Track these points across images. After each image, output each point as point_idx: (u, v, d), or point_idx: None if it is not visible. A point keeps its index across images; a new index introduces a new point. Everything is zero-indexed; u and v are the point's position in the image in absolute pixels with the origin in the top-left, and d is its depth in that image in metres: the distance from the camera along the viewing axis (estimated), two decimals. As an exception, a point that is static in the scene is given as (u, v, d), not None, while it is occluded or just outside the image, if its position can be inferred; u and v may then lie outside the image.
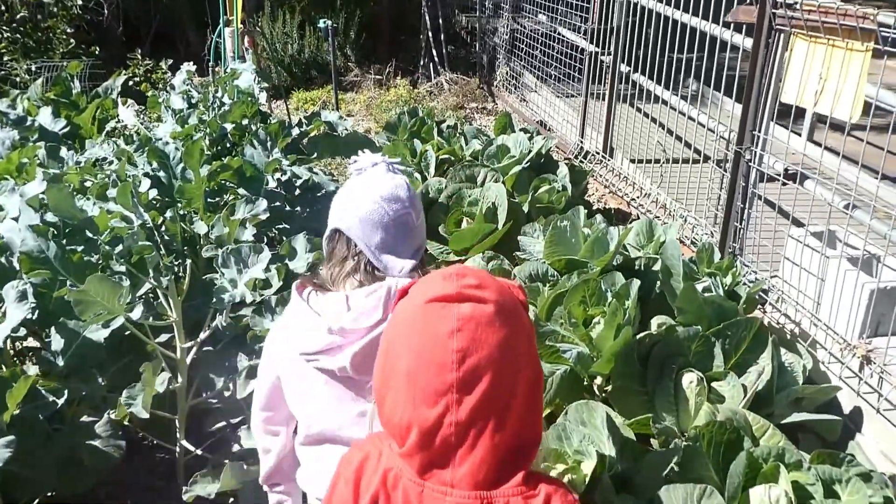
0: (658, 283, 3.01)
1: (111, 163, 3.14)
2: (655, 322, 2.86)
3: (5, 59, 7.14)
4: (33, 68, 7.02)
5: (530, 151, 4.64)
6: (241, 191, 2.90)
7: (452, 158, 5.09)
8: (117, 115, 4.52)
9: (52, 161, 3.49)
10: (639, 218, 4.79)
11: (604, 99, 5.52)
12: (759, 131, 3.30)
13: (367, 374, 1.31)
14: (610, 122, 5.41)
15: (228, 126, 3.28)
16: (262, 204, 2.49)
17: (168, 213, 2.74)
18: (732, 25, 3.76)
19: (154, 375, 1.96)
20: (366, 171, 1.53)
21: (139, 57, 8.31)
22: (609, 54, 5.27)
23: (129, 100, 5.56)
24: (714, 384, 2.46)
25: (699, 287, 2.80)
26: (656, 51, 4.71)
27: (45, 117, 4.47)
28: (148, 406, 1.95)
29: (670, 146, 4.73)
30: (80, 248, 2.10)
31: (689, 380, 2.43)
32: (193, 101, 3.71)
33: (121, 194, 2.22)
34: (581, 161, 5.60)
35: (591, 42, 5.50)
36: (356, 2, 9.10)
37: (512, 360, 0.99)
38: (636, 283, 2.69)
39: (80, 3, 7.93)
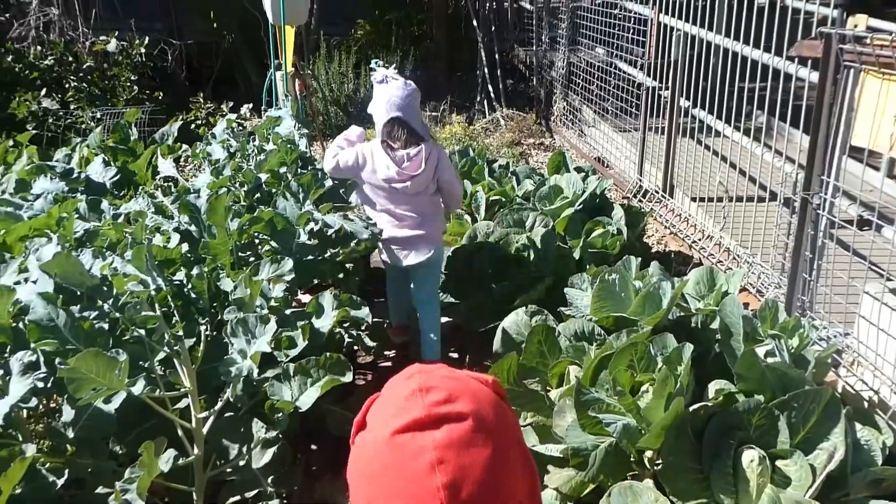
0: (716, 341, 2.76)
1: (145, 216, 3.09)
2: (713, 388, 2.60)
3: (72, 107, 7.37)
4: (98, 115, 7.23)
5: (584, 192, 4.43)
6: (273, 244, 2.80)
7: (503, 199, 4.93)
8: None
9: (93, 214, 3.48)
10: (701, 262, 4.51)
11: (663, 133, 5.28)
12: (829, 176, 3.01)
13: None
14: (670, 159, 5.15)
15: (263, 176, 3.20)
16: (288, 264, 2.37)
17: (195, 270, 2.65)
18: (797, 59, 3.50)
19: (158, 454, 1.85)
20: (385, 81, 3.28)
21: (201, 100, 8.48)
22: (668, 88, 5.04)
23: (171, 152, 5.62)
24: (778, 463, 2.19)
25: (761, 351, 2.53)
26: (716, 84, 4.46)
27: (95, 167, 4.52)
28: (144, 493, 1.83)
29: (734, 183, 4.45)
30: (91, 316, 2.02)
31: (750, 458, 2.17)
32: (232, 149, 3.66)
33: (135, 257, 2.13)
34: (640, 200, 5.34)
35: (650, 76, 5.28)
36: (412, 39, 9.12)
37: (506, 473, 0.83)
38: (689, 347, 2.44)
39: (143, 51, 8.15)
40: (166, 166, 3.75)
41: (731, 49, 4.17)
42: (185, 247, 2.86)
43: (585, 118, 7.13)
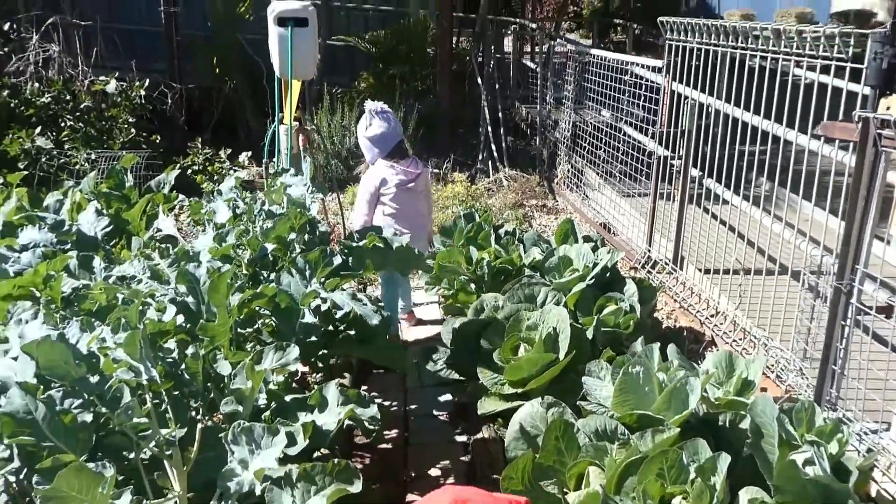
0: (746, 443, 2.57)
1: (139, 281, 2.89)
2: (745, 497, 2.40)
3: (67, 147, 7.21)
4: (93, 157, 7.07)
5: (595, 265, 4.28)
6: (275, 320, 2.61)
7: (510, 268, 4.76)
8: (157, 220, 4.36)
9: (84, 272, 3.28)
10: (714, 341, 4.35)
11: (672, 201, 5.17)
12: (864, 265, 2.87)
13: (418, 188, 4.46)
14: (681, 231, 5.02)
15: (270, 246, 3.02)
16: (293, 352, 2.18)
17: (189, 350, 2.44)
18: (823, 138, 3.40)
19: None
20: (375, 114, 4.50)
21: (199, 145, 8.35)
22: (679, 158, 4.93)
23: (167, 201, 5.43)
24: None
25: (799, 458, 2.35)
26: (732, 157, 4.36)
27: (87, 216, 4.33)
28: None
29: (748, 257, 4.31)
30: (74, 405, 1.81)
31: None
32: (238, 210, 3.49)
33: (128, 343, 1.94)
34: (649, 271, 5.20)
35: (661, 144, 5.18)
36: (416, 95, 9.07)
37: None
38: (725, 459, 2.25)
39: (143, 93, 8.03)
40: (166, 224, 3.58)
41: (751, 123, 4.07)
42: (180, 318, 2.66)
43: (590, 181, 7.04)
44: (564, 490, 2.60)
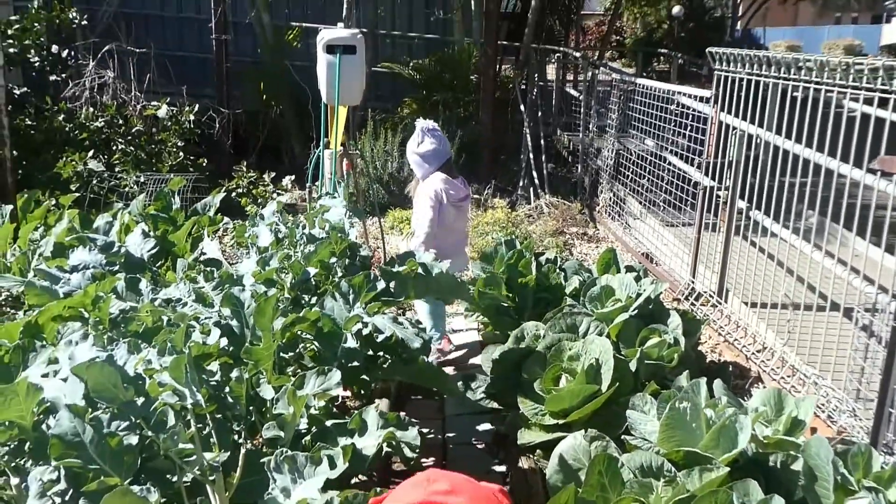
0: (799, 486, 2.48)
1: (184, 304, 2.94)
2: (799, 542, 2.31)
3: (117, 170, 7.40)
4: (142, 180, 7.23)
5: (638, 296, 4.21)
6: (317, 345, 2.61)
7: (551, 297, 4.72)
8: (202, 242, 4.43)
9: (131, 293, 3.34)
10: (760, 377, 4.24)
11: (717, 231, 5.08)
12: (922, 303, 2.78)
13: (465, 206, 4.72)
14: (726, 263, 4.93)
15: (312, 270, 3.04)
16: (335, 376, 2.18)
17: (234, 374, 2.46)
18: (880, 173, 3.31)
19: None
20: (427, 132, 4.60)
21: (244, 168, 8.50)
22: (726, 189, 4.86)
23: (212, 224, 5.52)
24: None
25: (857, 504, 2.26)
26: (780, 189, 4.27)
27: (135, 238, 4.43)
28: None
29: (798, 292, 4.20)
30: (120, 430, 1.83)
31: None
32: (280, 234, 3.53)
33: (174, 368, 1.96)
34: (693, 304, 5.10)
35: (707, 175, 5.11)
36: (458, 121, 9.12)
37: None
38: (779, 502, 2.17)
39: (192, 118, 8.22)
40: (211, 247, 3.63)
41: (803, 156, 4.00)
42: (224, 341, 2.69)
43: (632, 210, 6.97)
44: (607, 527, 2.53)
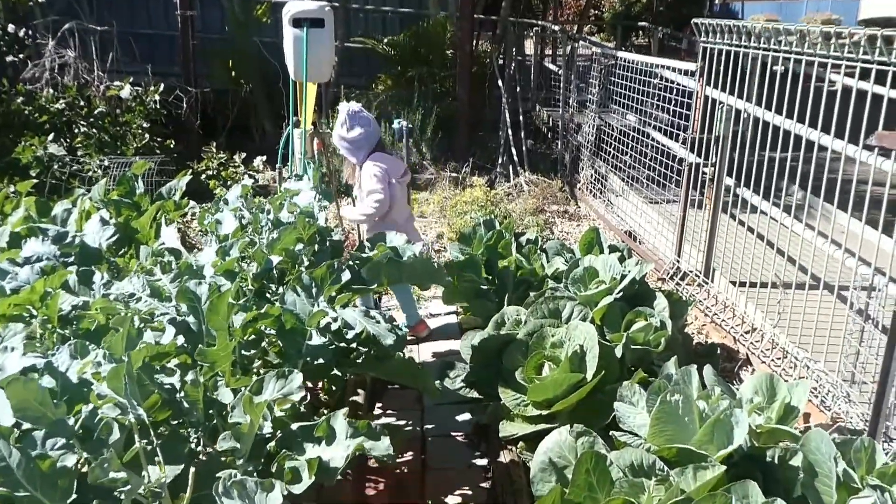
0: (798, 482, 2.33)
1: (139, 299, 2.71)
2: (799, 543, 2.17)
3: (79, 154, 7.09)
4: (105, 164, 6.94)
5: (623, 277, 4.04)
6: (272, 355, 2.42)
7: (532, 279, 4.55)
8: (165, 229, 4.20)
9: (84, 288, 3.11)
10: (748, 360, 4.10)
11: (702, 209, 4.92)
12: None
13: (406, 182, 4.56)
14: (713, 241, 4.78)
15: (275, 258, 2.83)
16: (296, 380, 1.98)
17: (189, 376, 2.26)
18: (877, 149, 3.15)
19: None
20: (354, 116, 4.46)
21: (214, 149, 8.21)
22: (712, 166, 4.69)
23: (178, 208, 5.25)
24: None
25: None
26: (769, 164, 4.11)
27: (92, 226, 4.18)
28: None
29: (788, 272, 4.06)
30: (56, 449, 1.62)
31: None
32: (244, 220, 3.31)
33: (112, 377, 1.75)
34: (678, 284, 4.95)
35: (692, 151, 4.94)
36: (434, 97, 8.88)
37: None
38: (781, 504, 2.02)
39: (157, 98, 7.90)
40: (169, 236, 3.40)
41: (794, 130, 3.83)
42: (181, 338, 2.48)
43: (614, 187, 6.80)
44: (595, 530, 2.37)
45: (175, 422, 2.29)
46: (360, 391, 3.80)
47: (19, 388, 1.57)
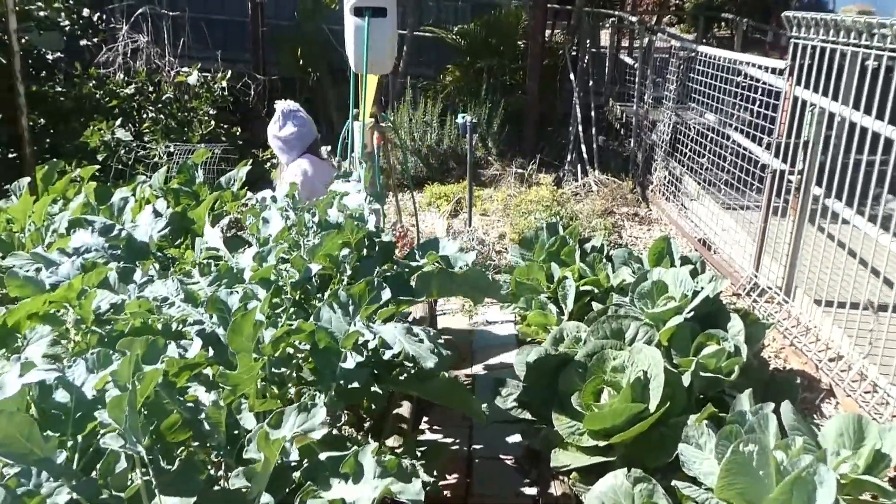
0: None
1: (172, 304, 2.58)
2: None
3: (146, 139, 7.12)
4: (171, 149, 6.95)
5: (695, 294, 3.73)
6: (306, 371, 2.23)
7: (596, 291, 4.27)
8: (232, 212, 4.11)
9: (123, 286, 3.01)
10: (832, 391, 3.73)
11: (783, 217, 4.53)
12: None
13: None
14: (796, 255, 4.39)
15: (315, 267, 2.64)
16: (320, 415, 1.79)
17: (210, 396, 2.10)
18: None
19: None
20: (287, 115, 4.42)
21: (279, 138, 8.15)
22: (799, 174, 4.29)
23: (235, 199, 5.16)
24: None
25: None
26: (866, 175, 3.71)
27: (144, 217, 4.11)
28: None
29: (884, 295, 3.66)
30: (47, 484, 1.47)
31: None
32: (290, 222, 3.14)
33: (113, 406, 1.59)
34: (755, 301, 4.58)
35: (777, 156, 4.54)
36: (503, 90, 8.60)
37: None
38: None
39: (225, 84, 7.88)
40: (212, 236, 3.26)
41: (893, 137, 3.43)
42: (212, 349, 2.33)
43: (688, 190, 6.41)
44: (651, 592, 2.12)
45: (196, 444, 2.14)
46: (405, 402, 3.61)
47: (3, 422, 1.42)
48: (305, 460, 2.12)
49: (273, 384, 2.35)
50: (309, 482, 1.99)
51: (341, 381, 2.22)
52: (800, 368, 3.97)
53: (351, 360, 2.17)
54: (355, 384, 2.23)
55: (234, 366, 2.00)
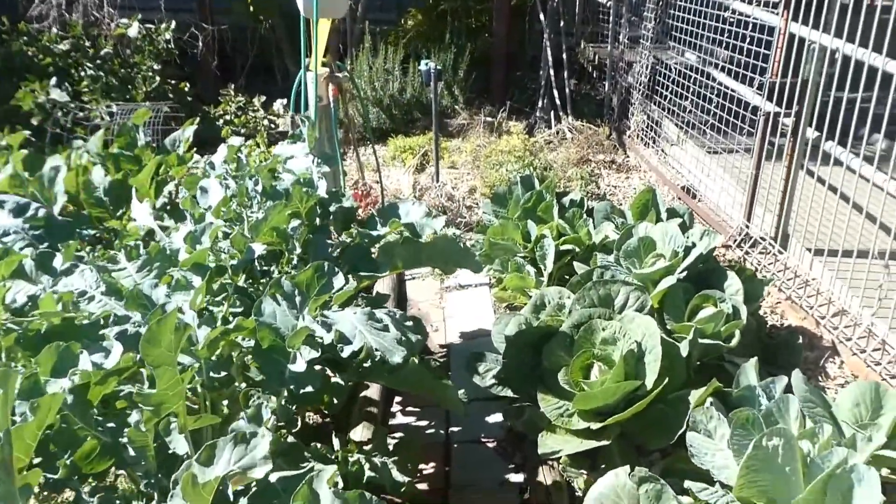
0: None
1: (91, 299, 2.18)
2: None
3: (85, 99, 6.56)
4: (113, 109, 6.40)
5: (687, 251, 3.41)
6: (257, 367, 1.86)
7: (577, 250, 3.93)
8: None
9: (41, 274, 2.59)
10: (835, 349, 3.46)
11: (769, 159, 4.21)
12: None
13: None
14: (791, 202, 4.09)
15: (258, 247, 2.26)
16: (262, 447, 1.43)
17: (133, 416, 1.73)
18: None
19: None
20: None
21: (232, 92, 7.62)
22: (795, 116, 3.96)
23: (181, 163, 4.70)
24: None
25: None
26: (861, 116, 3.39)
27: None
28: None
29: (877, 239, 3.37)
30: None
31: None
32: (230, 191, 2.74)
33: (16, 438, 1.22)
34: (746, 253, 4.28)
35: (769, 99, 4.18)
36: (468, 34, 8.11)
37: None
38: None
39: (169, 36, 7.29)
40: (141, 213, 2.84)
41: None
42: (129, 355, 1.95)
43: (668, 135, 6.06)
44: None
45: (121, 471, 1.79)
46: (375, 385, 3.26)
47: None
48: (253, 485, 1.77)
49: (213, 391, 1.98)
50: (256, 511, 1.65)
51: (292, 387, 1.86)
52: (798, 325, 3.70)
53: (301, 362, 1.81)
54: (309, 388, 1.87)
55: (146, 392, 1.63)
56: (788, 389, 2.39)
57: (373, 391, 3.20)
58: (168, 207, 3.96)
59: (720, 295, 3.21)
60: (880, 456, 2.32)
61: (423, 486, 2.85)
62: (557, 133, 6.83)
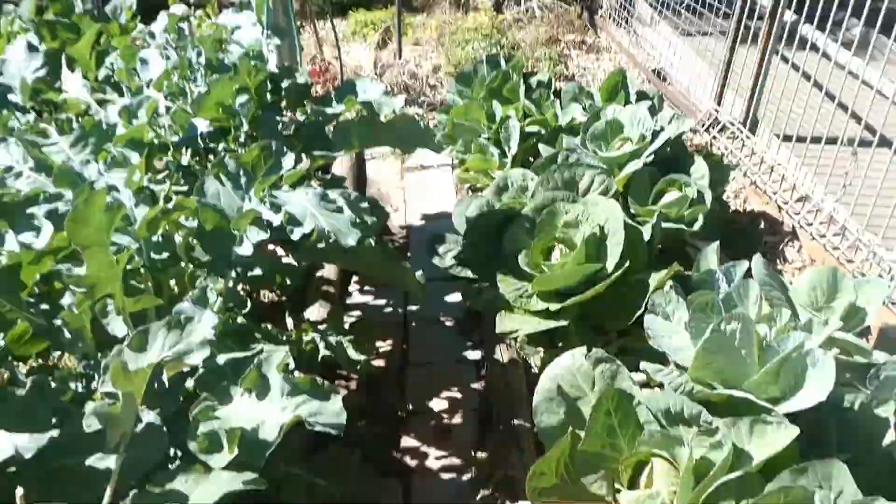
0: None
1: (18, 175, 2.03)
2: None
3: (16, -39, 6.03)
4: (48, -26, 5.92)
5: (654, 135, 3.32)
6: (200, 251, 1.76)
7: (542, 132, 3.82)
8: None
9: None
10: (795, 234, 3.47)
11: (744, 42, 4.07)
12: None
13: None
14: (759, 88, 3.98)
15: (202, 123, 2.11)
16: (200, 331, 1.34)
17: (66, 299, 1.63)
18: None
19: None
20: None
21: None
22: (773, -7, 3.78)
23: (124, 32, 4.39)
24: None
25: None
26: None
27: (15, 53, 3.44)
28: None
29: (852, 130, 3.32)
30: None
31: None
32: (170, 62, 2.54)
33: None
34: (714, 137, 4.20)
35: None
36: None
37: None
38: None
39: None
40: (74, 84, 2.64)
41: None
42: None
43: (641, 15, 5.83)
44: (616, 487, 1.86)
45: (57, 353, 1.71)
46: (331, 265, 3.20)
47: None
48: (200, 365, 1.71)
49: (157, 272, 1.89)
50: (205, 394, 1.60)
51: (238, 270, 1.77)
52: (761, 210, 3.68)
53: (247, 245, 1.72)
54: (258, 271, 1.79)
55: (76, 274, 1.53)
56: (748, 274, 2.38)
57: (329, 271, 3.14)
58: (113, 80, 3.73)
59: (686, 179, 3.16)
60: (834, 339, 2.34)
61: (380, 363, 2.85)
62: (527, 11, 6.54)
